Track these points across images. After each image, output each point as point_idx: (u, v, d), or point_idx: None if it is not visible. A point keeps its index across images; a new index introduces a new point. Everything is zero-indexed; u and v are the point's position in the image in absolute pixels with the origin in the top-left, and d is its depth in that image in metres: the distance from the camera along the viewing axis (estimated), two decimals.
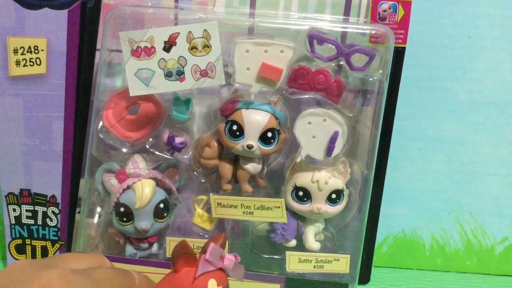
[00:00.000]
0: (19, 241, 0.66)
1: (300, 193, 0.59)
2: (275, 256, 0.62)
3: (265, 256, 0.63)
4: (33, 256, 0.67)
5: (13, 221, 0.66)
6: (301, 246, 0.61)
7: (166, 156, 0.59)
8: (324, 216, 0.61)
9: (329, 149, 0.58)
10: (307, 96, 0.58)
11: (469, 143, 0.71)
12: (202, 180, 0.61)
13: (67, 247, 0.66)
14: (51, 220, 0.65)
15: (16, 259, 0.67)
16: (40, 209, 0.65)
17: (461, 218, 0.73)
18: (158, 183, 0.59)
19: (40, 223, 0.66)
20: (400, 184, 0.72)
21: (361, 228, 0.62)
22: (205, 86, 0.57)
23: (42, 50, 0.60)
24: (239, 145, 0.57)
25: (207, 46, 0.55)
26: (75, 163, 0.63)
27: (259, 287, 0.59)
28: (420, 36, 0.66)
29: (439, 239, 0.74)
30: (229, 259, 0.42)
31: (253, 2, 0.59)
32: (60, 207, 0.65)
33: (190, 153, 0.60)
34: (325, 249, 0.62)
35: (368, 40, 0.59)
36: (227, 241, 0.60)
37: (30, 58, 0.60)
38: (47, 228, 0.66)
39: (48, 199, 0.65)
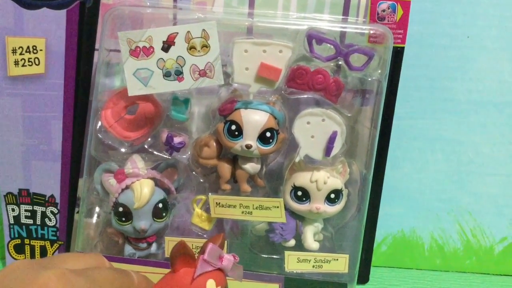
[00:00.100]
0: (18, 241, 0.66)
1: (299, 193, 0.59)
2: (274, 256, 0.62)
3: (264, 255, 0.63)
4: (32, 256, 0.67)
5: (12, 221, 0.66)
6: (300, 246, 0.61)
7: (165, 156, 0.59)
8: (323, 216, 0.61)
9: (328, 149, 0.58)
10: (306, 96, 0.58)
11: (468, 143, 0.71)
12: (201, 180, 0.61)
13: (66, 247, 0.66)
14: (50, 220, 0.65)
15: (15, 259, 0.67)
16: (39, 209, 0.65)
17: (460, 218, 0.73)
18: (157, 183, 0.59)
19: (39, 223, 0.66)
20: (399, 184, 0.72)
21: (360, 228, 0.62)
22: (204, 86, 0.57)
23: (41, 50, 0.60)
24: (237, 145, 0.57)
25: (205, 46, 0.55)
26: (74, 163, 0.63)
27: (258, 287, 0.59)
28: (419, 36, 0.66)
29: (438, 239, 0.74)
30: (228, 259, 0.42)
31: (252, 2, 0.59)
32: (59, 207, 0.65)
33: (189, 153, 0.60)
34: (324, 249, 0.62)
35: (367, 40, 0.59)
36: (226, 241, 0.60)
37: (29, 58, 0.60)
38: (46, 228, 0.66)
39: (47, 199, 0.65)
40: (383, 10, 0.59)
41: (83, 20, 0.59)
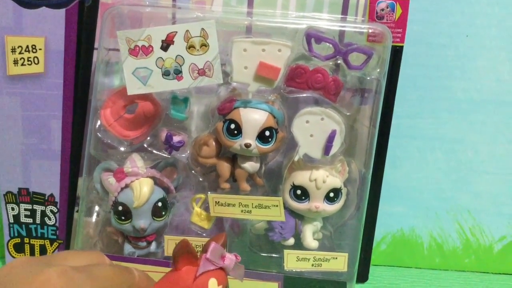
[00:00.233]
0: (18, 240, 0.66)
1: (298, 192, 0.60)
2: (273, 255, 0.63)
3: (263, 254, 0.63)
4: (32, 255, 0.67)
5: (11, 220, 0.66)
6: (299, 245, 0.61)
7: (164, 155, 0.59)
8: (322, 214, 0.61)
9: (327, 148, 0.58)
10: (305, 95, 0.58)
11: (467, 142, 0.71)
12: (200, 179, 0.61)
13: (66, 246, 0.66)
14: (50, 219, 0.65)
15: (14, 258, 0.67)
16: (38, 208, 0.65)
17: (460, 216, 0.73)
18: (156, 182, 0.59)
19: (39, 222, 0.66)
20: (398, 182, 0.72)
21: (359, 227, 0.62)
22: (203, 85, 0.57)
23: (40, 49, 0.60)
24: (237, 144, 0.57)
25: (204, 45, 0.56)
26: (73, 162, 0.63)
27: (257, 285, 0.60)
28: (418, 35, 0.66)
29: (437, 237, 0.74)
30: (230, 259, 0.42)
31: (251, 1, 0.59)
32: (58, 206, 0.65)
33: (188, 152, 0.60)
34: (323, 248, 0.62)
35: (365, 39, 0.59)
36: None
37: (28, 57, 0.60)
38: (45, 227, 0.66)
39: (46, 198, 0.65)
40: (382, 9, 0.59)
41: (82, 19, 0.59)
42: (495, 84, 0.69)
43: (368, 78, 0.59)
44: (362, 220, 0.62)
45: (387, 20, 0.60)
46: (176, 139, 0.58)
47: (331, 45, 0.57)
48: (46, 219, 0.65)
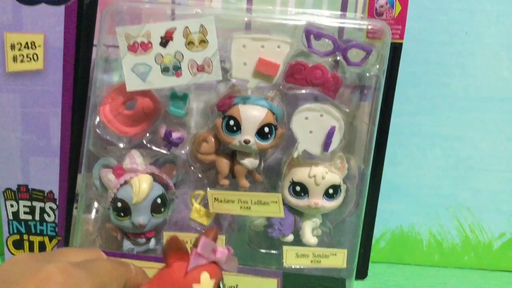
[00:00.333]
0: (17, 237, 0.66)
1: (297, 188, 0.60)
2: (273, 251, 0.63)
3: (262, 251, 0.63)
4: (31, 251, 0.67)
5: (11, 217, 0.66)
6: (298, 241, 0.61)
7: (163, 151, 0.59)
8: (321, 211, 0.61)
9: (326, 144, 0.58)
10: (304, 91, 0.58)
11: (467, 139, 0.71)
12: (199, 175, 0.61)
13: (65, 243, 0.66)
14: (49, 215, 0.65)
15: (14, 254, 0.67)
16: (37, 205, 0.65)
17: (459, 213, 0.73)
18: (156, 178, 0.59)
19: (38, 219, 0.66)
20: (397, 179, 0.72)
21: (358, 223, 0.62)
22: (202, 82, 0.57)
23: (39, 46, 0.60)
24: (236, 140, 0.57)
25: (204, 41, 0.56)
26: (73, 159, 0.63)
27: (256, 281, 0.60)
28: (417, 32, 0.66)
29: (436, 234, 0.74)
30: (222, 252, 0.42)
31: None
32: (57, 203, 0.65)
33: (188, 148, 0.60)
34: (322, 244, 0.62)
35: (365, 35, 0.59)
36: (224, 236, 0.60)
37: (27, 54, 0.60)
38: (44, 224, 0.66)
39: (45, 195, 0.65)
40: (381, 6, 0.59)
41: (82, 15, 0.60)
42: (494, 81, 0.69)
43: (368, 74, 0.59)
44: (361, 217, 0.62)
45: (386, 16, 0.60)
46: (175, 135, 0.58)
47: (330, 42, 0.57)
48: (45, 215, 0.65)
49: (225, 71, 0.57)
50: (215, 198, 0.59)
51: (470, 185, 0.73)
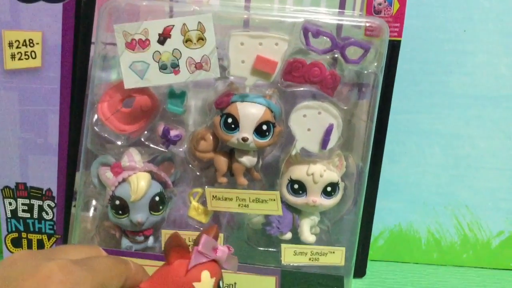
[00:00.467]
0: (15, 235, 0.66)
1: (296, 186, 0.60)
2: (271, 249, 0.63)
3: (261, 249, 0.63)
4: (29, 249, 0.67)
5: (9, 215, 0.66)
6: (296, 239, 0.61)
7: (161, 149, 0.59)
8: (319, 209, 0.61)
9: (324, 142, 0.58)
10: (302, 89, 0.58)
11: (465, 137, 0.71)
12: (198, 173, 0.61)
13: (63, 241, 0.66)
14: (47, 213, 0.65)
15: (12, 252, 0.67)
16: (36, 203, 0.65)
17: (457, 211, 0.73)
18: (154, 176, 0.59)
19: (36, 217, 0.66)
20: (396, 178, 0.72)
21: (356, 221, 0.62)
22: (200, 79, 0.57)
23: (37, 43, 0.60)
24: (234, 138, 0.57)
25: (201, 39, 0.55)
26: (71, 157, 0.63)
27: (254, 279, 0.60)
28: (415, 29, 0.66)
29: (435, 232, 0.74)
30: (222, 251, 0.42)
31: None
32: (56, 201, 0.65)
33: (186, 146, 0.60)
34: (321, 242, 0.62)
35: (363, 33, 0.59)
36: (222, 234, 0.60)
37: (25, 52, 0.60)
38: (43, 222, 0.66)
39: (44, 193, 0.65)
40: (380, 4, 0.59)
41: (80, 13, 0.59)
42: (493, 79, 0.69)
43: (366, 72, 0.59)
44: (360, 215, 0.62)
45: (384, 14, 0.60)
46: (173, 133, 0.58)
47: (328, 39, 0.57)
48: (43, 213, 0.65)
49: (223, 68, 0.57)
50: (213, 196, 0.59)
51: (468, 183, 0.73)
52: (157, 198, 0.58)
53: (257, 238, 0.63)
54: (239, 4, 0.59)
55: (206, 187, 0.59)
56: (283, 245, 0.61)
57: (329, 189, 0.60)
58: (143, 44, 0.55)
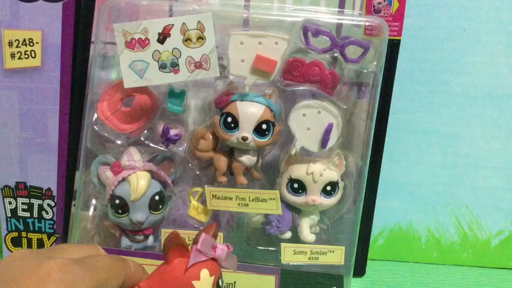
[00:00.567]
0: (15, 234, 0.66)
1: (295, 185, 0.60)
2: (270, 248, 0.63)
3: (260, 248, 0.63)
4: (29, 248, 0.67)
5: (9, 214, 0.66)
6: (296, 238, 0.61)
7: (161, 148, 0.59)
8: (319, 208, 0.61)
9: (324, 141, 0.58)
10: (301, 88, 0.58)
11: (465, 136, 0.71)
12: (197, 172, 0.61)
13: (63, 240, 0.66)
14: (47, 213, 0.65)
15: (12, 252, 0.67)
16: (36, 202, 0.65)
17: (457, 211, 0.73)
18: (153, 176, 0.59)
19: (36, 216, 0.66)
20: (395, 177, 0.72)
21: (356, 220, 0.62)
22: (200, 78, 0.57)
23: (37, 42, 0.60)
24: (234, 137, 0.57)
25: (201, 38, 0.55)
26: (71, 156, 0.63)
27: (254, 278, 0.60)
28: (415, 29, 0.66)
29: (434, 232, 0.74)
30: (221, 249, 0.42)
31: None
32: (55, 200, 0.65)
33: (185, 145, 0.60)
34: (320, 241, 0.62)
35: (363, 32, 0.59)
36: (222, 233, 0.60)
37: (25, 51, 0.60)
38: (43, 221, 0.66)
39: (43, 192, 0.65)
40: (379, 3, 0.59)
41: (79, 12, 0.59)
42: (492, 78, 0.69)
43: (365, 71, 0.59)
44: (359, 214, 0.62)
45: (384, 13, 0.60)
46: (173, 132, 0.58)
47: (328, 38, 0.57)
48: (43, 213, 0.65)
49: (223, 67, 0.57)
50: (213, 195, 0.59)
51: (468, 183, 0.73)
52: (156, 197, 0.58)
53: (257, 237, 0.63)
54: (238, 3, 0.59)
55: (206, 186, 0.60)
56: (282, 244, 0.61)
57: (328, 188, 0.60)
58: (143, 43, 0.55)
